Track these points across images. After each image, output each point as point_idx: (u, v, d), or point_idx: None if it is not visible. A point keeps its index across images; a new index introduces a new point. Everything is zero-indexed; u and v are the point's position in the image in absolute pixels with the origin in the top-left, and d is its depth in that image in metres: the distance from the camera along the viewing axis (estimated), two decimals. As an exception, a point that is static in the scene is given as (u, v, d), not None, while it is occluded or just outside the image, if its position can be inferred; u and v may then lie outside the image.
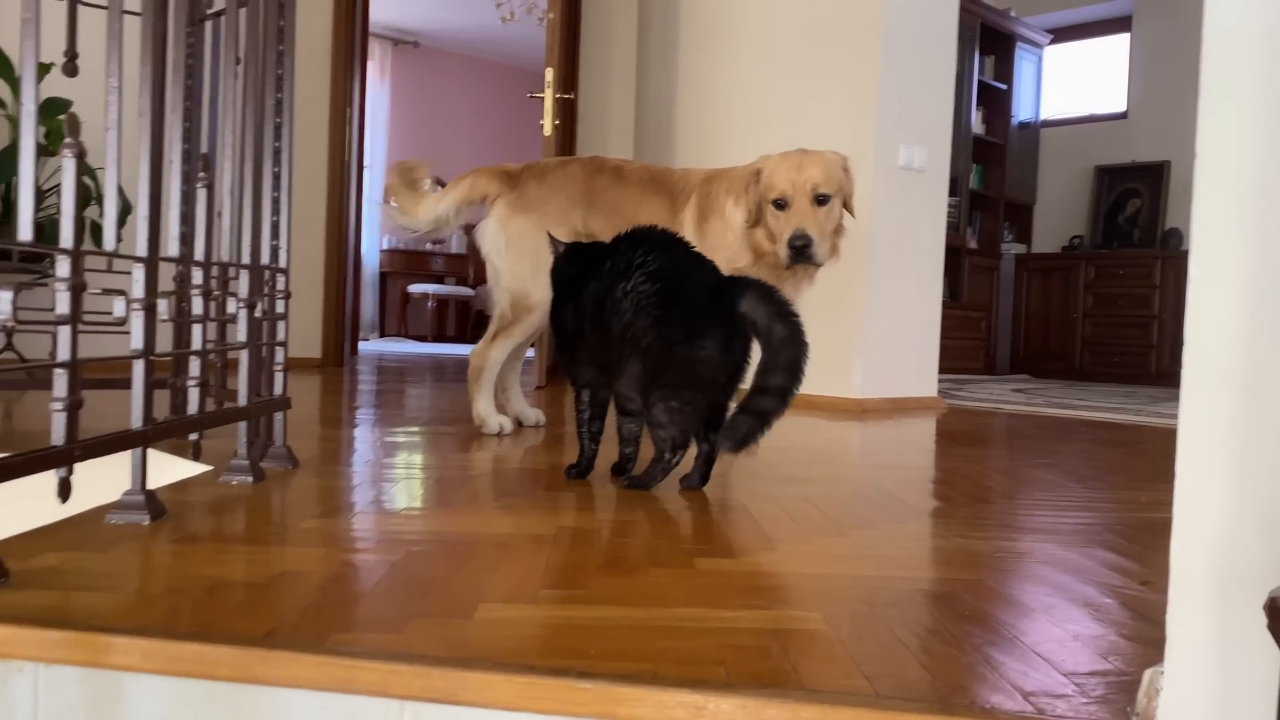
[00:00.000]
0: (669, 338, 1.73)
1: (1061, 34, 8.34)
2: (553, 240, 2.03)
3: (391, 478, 1.93)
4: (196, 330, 1.70)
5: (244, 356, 1.82)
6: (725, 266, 2.03)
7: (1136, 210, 7.79)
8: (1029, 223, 8.30)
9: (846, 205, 2.59)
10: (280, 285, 2.01)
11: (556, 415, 3.26)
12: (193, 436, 1.65)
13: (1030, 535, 1.62)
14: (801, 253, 2.45)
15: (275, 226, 2.01)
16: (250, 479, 1.79)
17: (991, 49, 7.68)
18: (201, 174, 1.64)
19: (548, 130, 4.36)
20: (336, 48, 5.52)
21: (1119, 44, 8.13)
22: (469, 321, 10.86)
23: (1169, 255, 7.21)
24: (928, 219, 4.24)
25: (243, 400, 1.82)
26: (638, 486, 1.86)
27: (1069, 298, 7.78)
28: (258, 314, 1.89)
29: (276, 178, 2.01)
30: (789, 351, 1.69)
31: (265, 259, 1.95)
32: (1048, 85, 8.26)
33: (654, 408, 1.78)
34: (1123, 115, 8.01)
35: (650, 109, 5.21)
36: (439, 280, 10.71)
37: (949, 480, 2.20)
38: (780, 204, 2.50)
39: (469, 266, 10.85)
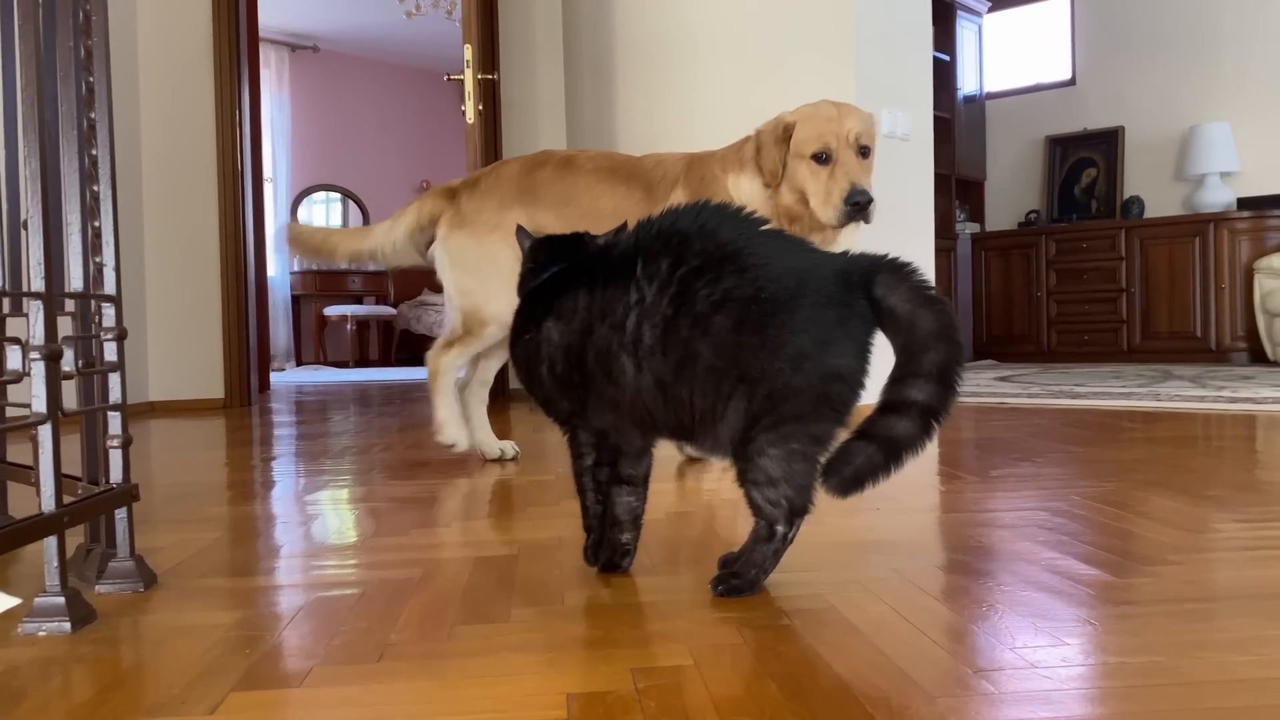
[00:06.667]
0: (791, 352, 1.14)
1: (1000, 1, 7.97)
2: (523, 235, 1.43)
3: (295, 595, 1.31)
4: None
5: (43, 435, 1.18)
6: None
7: (1093, 180, 7.44)
8: (981, 200, 7.90)
9: None
10: (109, 321, 1.37)
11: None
12: (-52, 578, 1.02)
13: None
14: (862, 209, 2.20)
15: (96, 235, 1.37)
16: (66, 624, 1.16)
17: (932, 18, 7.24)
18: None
19: (470, 116, 3.74)
20: (218, 49, 4.82)
21: (1059, 8, 7.79)
22: (393, 342, 10.12)
23: (1133, 224, 6.84)
24: (917, 193, 3.72)
25: (46, 504, 1.18)
26: (741, 590, 1.23)
27: (1030, 276, 7.39)
28: (67, 366, 1.26)
29: (93, 165, 1.37)
30: (939, 353, 1.11)
31: (76, 283, 1.31)
32: (990, 55, 7.88)
33: (762, 456, 1.16)
34: (1070, 82, 7.66)
35: (584, 89, 4.60)
36: (357, 300, 9.95)
37: (1067, 528, 1.65)
38: (821, 158, 2.24)
39: (389, 284, 10.14)
